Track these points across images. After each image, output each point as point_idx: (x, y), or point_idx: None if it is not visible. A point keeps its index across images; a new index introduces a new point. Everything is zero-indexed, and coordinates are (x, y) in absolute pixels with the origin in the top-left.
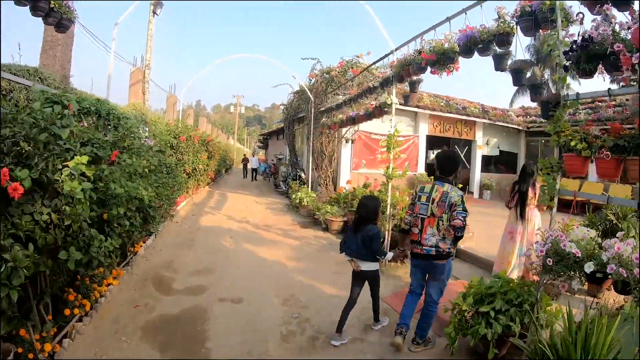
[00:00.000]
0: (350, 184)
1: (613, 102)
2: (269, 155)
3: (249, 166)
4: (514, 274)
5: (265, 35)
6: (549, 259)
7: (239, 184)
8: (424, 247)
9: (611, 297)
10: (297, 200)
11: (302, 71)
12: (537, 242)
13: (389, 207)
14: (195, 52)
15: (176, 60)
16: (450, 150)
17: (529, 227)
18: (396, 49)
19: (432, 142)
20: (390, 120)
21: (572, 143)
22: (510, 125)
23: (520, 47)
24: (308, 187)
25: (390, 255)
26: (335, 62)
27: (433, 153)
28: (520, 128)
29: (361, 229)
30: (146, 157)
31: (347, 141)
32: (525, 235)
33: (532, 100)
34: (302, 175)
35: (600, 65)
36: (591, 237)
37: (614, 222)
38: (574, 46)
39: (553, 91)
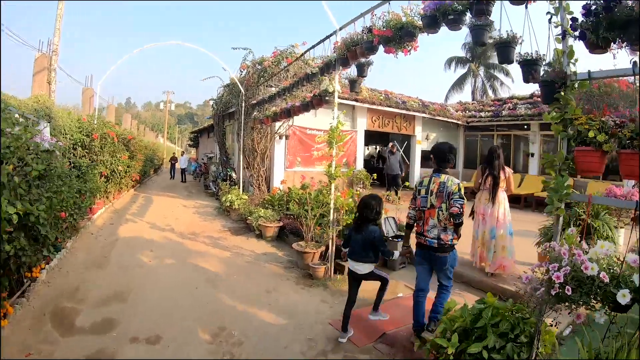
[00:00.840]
0: (285, 184)
1: None
2: (200, 153)
3: (178, 166)
4: (490, 256)
5: (202, 25)
6: (567, 287)
7: (167, 186)
8: (427, 239)
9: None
10: (228, 203)
11: (236, 63)
12: (546, 263)
13: (332, 212)
14: (119, 41)
15: (97, 49)
16: (445, 142)
17: (500, 209)
18: (341, 28)
19: (371, 137)
20: (333, 111)
21: (591, 134)
22: (449, 120)
23: (506, 16)
24: (239, 188)
25: (397, 253)
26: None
27: (368, 149)
28: (459, 123)
29: (363, 230)
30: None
31: (280, 137)
32: (497, 217)
33: (526, 80)
34: (233, 175)
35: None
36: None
37: (588, 221)
38: (594, 7)
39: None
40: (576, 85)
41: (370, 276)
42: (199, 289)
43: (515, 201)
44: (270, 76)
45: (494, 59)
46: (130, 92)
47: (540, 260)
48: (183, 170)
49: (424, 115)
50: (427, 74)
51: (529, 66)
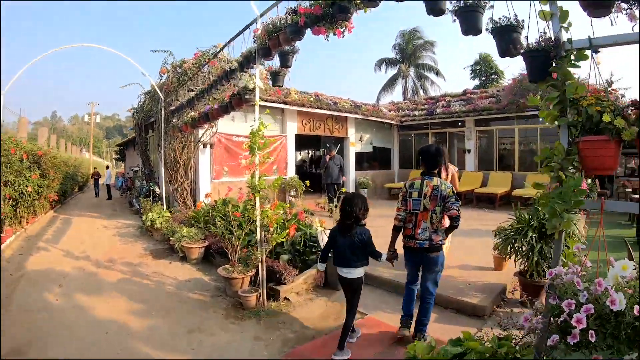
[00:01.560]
0: (211, 197)
1: (485, 94)
2: (127, 167)
3: (102, 181)
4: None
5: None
6: (591, 331)
7: (92, 204)
8: (417, 241)
9: None
10: (149, 223)
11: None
12: (553, 295)
13: (258, 230)
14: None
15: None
16: (434, 145)
17: None
18: (262, 15)
19: (302, 141)
20: (256, 108)
21: (606, 117)
22: (383, 120)
23: None
24: (163, 204)
25: (384, 256)
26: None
27: (300, 154)
28: (393, 122)
29: (353, 232)
30: None
31: (204, 146)
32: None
33: (503, 54)
34: (157, 190)
35: None
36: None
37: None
38: None
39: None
40: (572, 57)
41: (360, 286)
42: (110, 334)
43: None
44: (190, 79)
45: (425, 59)
46: (55, 104)
47: (496, 265)
48: (108, 186)
49: (356, 116)
50: (358, 76)
51: (506, 34)
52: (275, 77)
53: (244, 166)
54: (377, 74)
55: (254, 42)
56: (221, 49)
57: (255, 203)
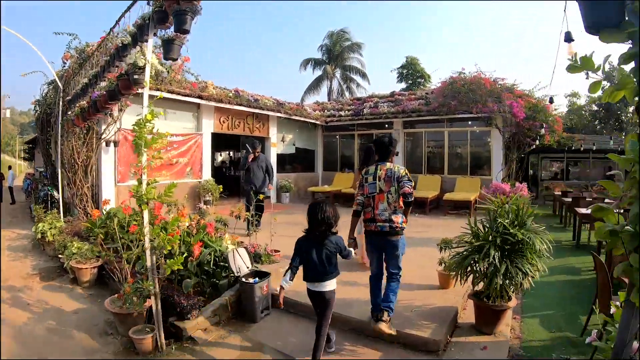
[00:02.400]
0: (108, 204)
1: (414, 96)
2: (35, 167)
3: (5, 184)
4: None
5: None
6: None
7: None
8: (378, 224)
9: None
10: (39, 234)
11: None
12: None
13: (148, 253)
14: None
15: None
16: (384, 135)
17: None
18: None
19: (220, 141)
20: (145, 93)
21: None
22: (307, 120)
23: None
24: (60, 211)
25: (352, 251)
26: None
27: (221, 155)
28: (317, 123)
29: (325, 241)
30: None
31: (107, 144)
32: None
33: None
34: (55, 194)
35: None
36: None
37: (510, 231)
38: None
39: None
40: None
41: (333, 299)
42: None
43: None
44: (84, 60)
45: (351, 61)
46: None
47: (442, 283)
48: (11, 189)
49: (279, 114)
50: (283, 76)
51: None
52: (169, 46)
53: (154, 167)
54: (302, 74)
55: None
56: (117, 23)
57: (142, 218)
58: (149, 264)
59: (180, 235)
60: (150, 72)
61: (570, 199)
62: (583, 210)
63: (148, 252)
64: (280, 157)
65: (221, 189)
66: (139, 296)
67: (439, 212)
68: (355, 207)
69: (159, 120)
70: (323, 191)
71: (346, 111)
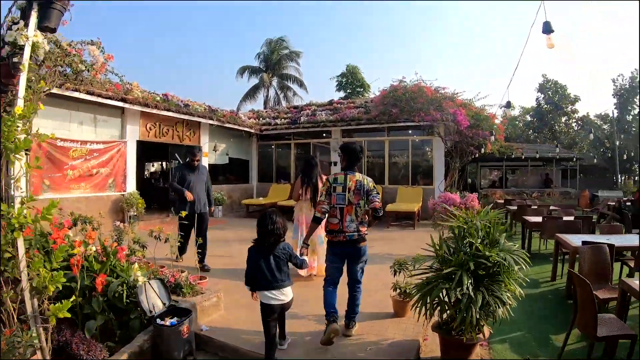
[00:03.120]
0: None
1: (353, 104)
2: None
3: None
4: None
5: None
6: None
7: None
8: (346, 234)
9: None
10: None
11: None
12: None
13: (27, 295)
14: None
15: None
16: (353, 142)
17: None
18: None
19: (147, 149)
20: (22, 77)
21: None
22: (241, 128)
23: None
24: None
25: (305, 259)
26: None
27: (154, 166)
28: (252, 131)
29: (274, 250)
30: None
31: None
32: (321, 225)
33: None
34: None
35: None
36: None
37: (484, 253)
38: None
39: None
40: None
41: (289, 306)
42: None
43: None
44: None
45: (289, 70)
46: None
47: (397, 310)
48: None
49: (211, 122)
50: (219, 85)
51: None
52: (46, 11)
53: (71, 178)
54: (238, 81)
55: None
56: None
57: (17, 248)
58: (29, 309)
59: (82, 265)
60: (74, 68)
61: (515, 207)
62: (534, 219)
63: (27, 295)
64: (213, 168)
65: (143, 204)
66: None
67: (381, 224)
68: (320, 215)
69: (72, 124)
70: (258, 204)
71: (282, 119)
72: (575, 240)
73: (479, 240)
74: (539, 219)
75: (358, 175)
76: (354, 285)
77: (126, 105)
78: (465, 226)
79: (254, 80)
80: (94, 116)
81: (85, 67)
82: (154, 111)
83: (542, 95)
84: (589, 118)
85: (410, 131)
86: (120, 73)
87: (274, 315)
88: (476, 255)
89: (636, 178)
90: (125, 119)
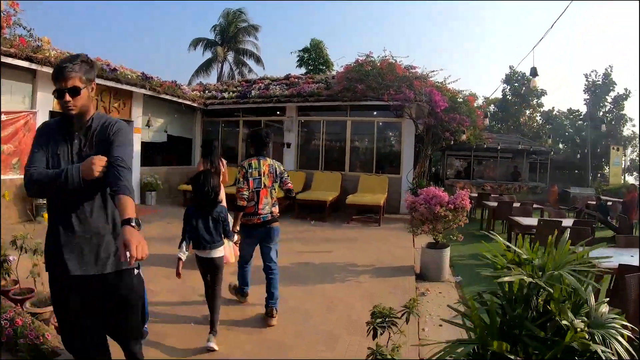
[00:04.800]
0: None
1: (312, 80)
2: None
3: None
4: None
5: None
6: None
7: None
8: (261, 216)
9: None
10: None
11: None
12: None
13: None
14: None
15: None
16: (260, 128)
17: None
18: None
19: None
20: None
21: None
22: (180, 101)
23: None
24: None
25: (235, 237)
26: None
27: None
28: (195, 105)
29: (213, 210)
30: None
31: None
32: None
33: None
34: None
35: None
36: None
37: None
38: None
39: None
40: None
41: (221, 265)
42: None
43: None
44: None
45: (246, 44)
46: None
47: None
48: None
49: (143, 91)
50: (170, 58)
51: None
52: None
53: None
54: (190, 54)
55: None
56: None
57: None
58: None
59: None
60: None
61: (495, 204)
62: (526, 221)
63: None
64: (147, 147)
65: None
66: None
67: (340, 218)
68: (243, 203)
69: None
70: None
71: (231, 93)
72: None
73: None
74: (531, 220)
75: (269, 160)
76: (270, 266)
77: (38, 68)
78: (534, 280)
79: (208, 55)
80: None
81: None
82: None
83: (508, 87)
84: (554, 113)
85: (375, 112)
86: (29, 27)
87: (207, 269)
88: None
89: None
90: (36, 85)
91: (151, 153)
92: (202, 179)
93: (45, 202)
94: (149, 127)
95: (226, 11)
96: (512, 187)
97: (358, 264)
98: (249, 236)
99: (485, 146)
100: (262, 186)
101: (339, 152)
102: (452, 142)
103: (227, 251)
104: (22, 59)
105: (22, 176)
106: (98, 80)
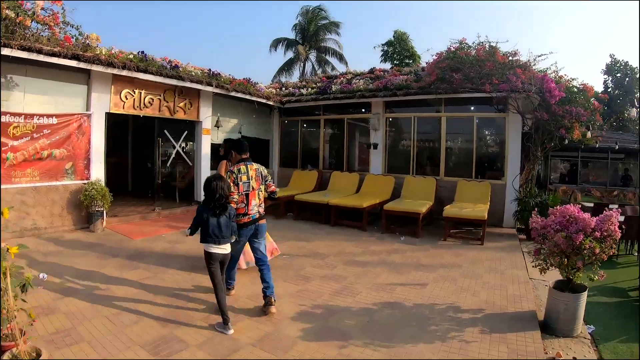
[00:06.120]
0: None
1: (399, 73)
2: None
3: None
4: None
5: None
6: None
7: None
8: (250, 215)
9: None
10: None
11: None
12: None
13: None
14: None
15: None
16: (238, 139)
17: None
18: None
19: (121, 124)
20: None
21: None
22: (253, 99)
23: None
24: None
25: (237, 233)
26: None
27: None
28: (271, 103)
29: (224, 212)
30: None
31: None
32: None
33: None
34: None
35: None
36: None
37: None
38: None
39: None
40: None
41: (228, 257)
42: None
43: (355, 218)
44: None
45: (328, 43)
46: None
47: None
48: None
49: (211, 89)
50: (252, 59)
51: None
52: None
53: (14, 163)
54: (272, 55)
55: None
56: None
57: None
58: None
59: None
60: None
61: (621, 218)
62: None
63: None
64: (217, 149)
65: (108, 196)
66: None
67: (433, 232)
68: (233, 205)
69: (16, 93)
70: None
71: (309, 89)
72: None
73: None
74: None
75: (255, 165)
76: (262, 260)
77: (94, 68)
78: None
79: (290, 55)
80: (43, 80)
81: (29, 16)
82: (134, 74)
83: (610, 78)
84: None
85: (472, 107)
86: (77, 24)
87: (216, 263)
88: None
89: None
90: (90, 85)
91: (222, 156)
92: (214, 185)
93: (98, 209)
94: (218, 127)
95: (304, 9)
96: (622, 193)
97: (462, 307)
98: (240, 235)
99: (597, 146)
100: (251, 189)
101: (432, 153)
102: (566, 141)
103: (269, 246)
104: (69, 58)
105: (77, 182)
106: (157, 78)
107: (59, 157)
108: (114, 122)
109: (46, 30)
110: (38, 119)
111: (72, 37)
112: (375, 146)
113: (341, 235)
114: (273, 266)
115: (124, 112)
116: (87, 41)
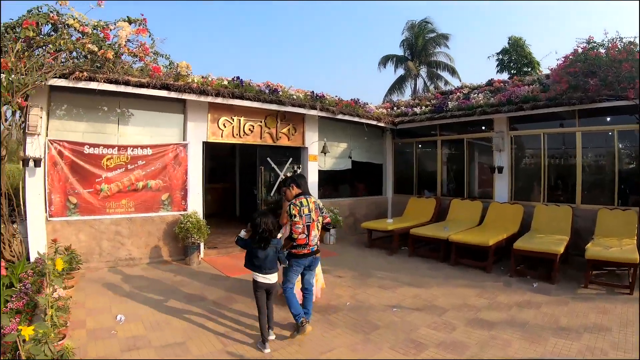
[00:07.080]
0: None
1: (521, 83)
2: None
3: None
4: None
5: None
6: None
7: None
8: (310, 247)
9: None
10: None
11: None
12: None
13: None
14: None
15: None
16: (298, 174)
17: None
18: None
19: (220, 153)
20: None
21: None
22: (361, 121)
23: None
24: None
25: (285, 260)
26: None
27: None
28: (382, 125)
29: (269, 246)
30: None
31: (25, 163)
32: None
33: None
34: None
35: None
36: None
37: None
38: None
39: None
40: None
41: (274, 285)
42: None
43: (479, 256)
44: None
45: (438, 56)
46: None
47: None
48: None
49: (315, 112)
50: (361, 78)
51: None
52: None
53: (107, 195)
54: (381, 72)
55: None
56: None
57: None
58: None
59: None
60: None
61: None
62: None
63: None
64: (326, 176)
65: (205, 228)
66: None
67: (570, 275)
68: (298, 236)
69: (109, 125)
70: (383, 229)
71: (423, 107)
72: None
73: None
74: None
75: (313, 197)
76: (308, 288)
77: (189, 97)
78: None
79: (400, 72)
80: (138, 111)
81: (102, 47)
82: (231, 101)
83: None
84: None
85: (608, 118)
86: (166, 54)
87: (261, 290)
88: None
89: None
90: (186, 114)
91: (332, 183)
92: (259, 220)
93: (194, 241)
94: (325, 154)
95: (410, 23)
96: None
97: None
98: (299, 265)
99: None
100: (311, 220)
101: (566, 176)
102: None
103: (319, 285)
104: (158, 88)
105: (174, 213)
106: (255, 104)
107: (154, 188)
108: (222, 148)
109: (136, 61)
110: (132, 150)
111: (164, 67)
112: (500, 170)
113: (463, 279)
114: (382, 322)
115: (222, 141)
116: (178, 70)
